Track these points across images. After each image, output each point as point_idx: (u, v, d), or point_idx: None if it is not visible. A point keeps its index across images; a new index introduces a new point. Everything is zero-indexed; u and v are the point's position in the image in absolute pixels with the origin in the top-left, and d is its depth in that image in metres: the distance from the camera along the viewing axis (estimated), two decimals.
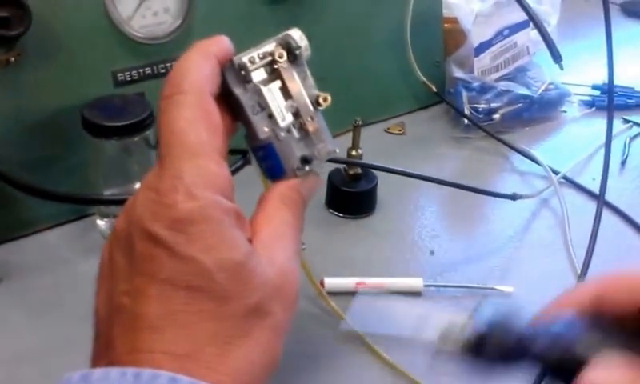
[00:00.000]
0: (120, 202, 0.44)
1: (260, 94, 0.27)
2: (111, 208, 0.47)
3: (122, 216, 0.25)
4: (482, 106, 0.62)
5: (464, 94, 0.62)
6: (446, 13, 0.65)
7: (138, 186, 0.48)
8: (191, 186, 0.23)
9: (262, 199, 0.28)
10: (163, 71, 0.50)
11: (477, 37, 0.63)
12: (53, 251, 0.46)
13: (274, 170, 0.28)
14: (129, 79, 0.49)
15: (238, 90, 0.27)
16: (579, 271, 0.44)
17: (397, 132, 0.62)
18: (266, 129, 0.28)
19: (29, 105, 0.45)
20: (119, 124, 0.44)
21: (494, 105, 0.62)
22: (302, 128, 0.28)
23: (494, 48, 0.65)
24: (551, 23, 0.68)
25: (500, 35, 0.65)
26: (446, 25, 0.66)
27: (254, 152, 0.29)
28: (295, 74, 0.28)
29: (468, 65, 0.65)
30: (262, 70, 0.28)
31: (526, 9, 0.49)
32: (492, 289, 0.44)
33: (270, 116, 0.28)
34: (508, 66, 0.66)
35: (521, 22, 0.65)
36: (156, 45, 0.49)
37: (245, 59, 0.27)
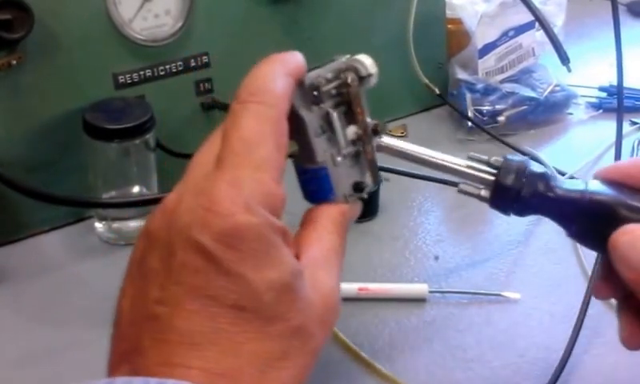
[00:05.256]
0: (119, 205, 0.44)
1: (328, 117, 0.27)
2: (110, 211, 0.46)
3: (160, 217, 0.24)
4: (486, 108, 0.61)
5: (468, 95, 0.61)
6: (449, 14, 0.65)
7: (136, 189, 0.47)
8: (249, 199, 0.22)
9: (309, 218, 0.27)
10: (164, 73, 0.49)
11: (481, 38, 0.63)
12: (51, 254, 0.46)
13: (320, 192, 0.28)
14: (129, 82, 0.48)
15: (303, 111, 0.27)
16: (590, 276, 0.43)
17: (399, 134, 0.62)
18: (325, 152, 0.27)
19: (30, 107, 0.45)
20: (120, 127, 0.44)
21: (498, 107, 0.61)
22: (356, 154, 0.28)
23: (498, 49, 0.64)
24: (557, 24, 0.67)
25: (505, 36, 0.64)
26: (449, 26, 0.65)
27: (301, 172, 0.28)
28: (363, 100, 0.28)
29: (472, 66, 0.64)
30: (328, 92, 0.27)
31: (532, 10, 0.48)
32: (498, 295, 0.43)
33: (331, 140, 0.27)
34: (513, 67, 0.66)
35: (526, 23, 0.64)
36: (157, 47, 0.48)
37: (318, 80, 0.27)
